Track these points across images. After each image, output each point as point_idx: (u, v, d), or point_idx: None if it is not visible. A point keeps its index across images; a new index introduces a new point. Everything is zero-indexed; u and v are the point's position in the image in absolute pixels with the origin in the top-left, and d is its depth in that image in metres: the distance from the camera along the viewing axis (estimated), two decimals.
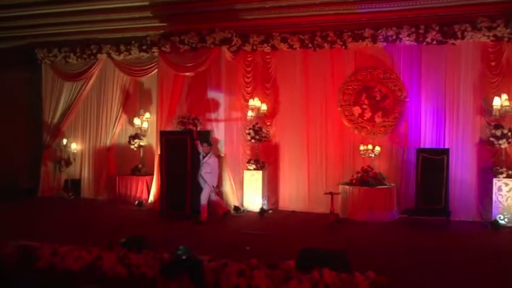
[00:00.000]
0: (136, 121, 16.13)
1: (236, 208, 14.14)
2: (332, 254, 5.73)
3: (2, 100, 18.17)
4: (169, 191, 13.43)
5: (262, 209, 13.89)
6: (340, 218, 12.60)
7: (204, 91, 14.81)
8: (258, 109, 14.64)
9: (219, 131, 14.56)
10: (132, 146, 16.09)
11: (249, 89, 15.03)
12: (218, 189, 13.68)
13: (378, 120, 13.72)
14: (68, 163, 17.09)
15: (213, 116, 14.66)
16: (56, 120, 17.39)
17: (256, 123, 14.58)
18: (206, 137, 13.55)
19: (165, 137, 13.73)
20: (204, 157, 12.92)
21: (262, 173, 14.41)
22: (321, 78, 14.35)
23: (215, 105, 14.62)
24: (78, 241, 7.33)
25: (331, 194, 12.57)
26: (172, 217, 12.98)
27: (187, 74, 14.95)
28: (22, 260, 6.90)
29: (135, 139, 16.03)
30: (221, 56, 14.52)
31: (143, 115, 16.17)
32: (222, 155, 14.44)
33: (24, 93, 18.16)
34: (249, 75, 15.03)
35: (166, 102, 15.11)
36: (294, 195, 14.61)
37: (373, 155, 13.46)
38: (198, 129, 14.33)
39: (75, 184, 17.15)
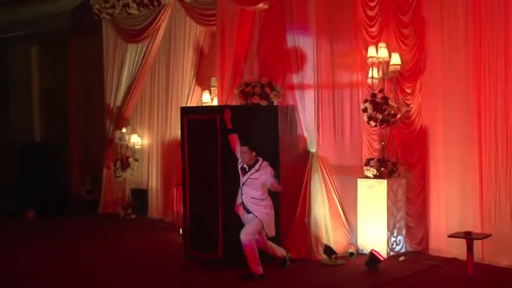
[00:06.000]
0: (205, 97, 11.52)
1: (328, 251, 8.58)
2: None
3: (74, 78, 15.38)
4: (193, 215, 8.65)
5: (372, 257, 8.16)
6: None
7: (282, 36, 9.56)
8: (387, 64, 9.05)
9: (305, 108, 9.20)
10: None
11: (372, 28, 9.42)
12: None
13: None
14: (125, 165, 12.88)
15: (295, 79, 9.34)
16: (119, 102, 13.68)
17: (381, 90, 8.96)
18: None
19: (187, 118, 8.86)
20: (245, 169, 7.83)
21: (388, 185, 8.78)
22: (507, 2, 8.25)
23: (301, 59, 9.28)
24: None
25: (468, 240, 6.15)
26: (197, 260, 8.63)
27: (258, 6, 9.70)
28: None
29: None
30: None
31: (215, 86, 11.55)
32: (313, 150, 9.10)
33: (93, 67, 14.94)
34: (372, 3, 9.42)
35: (229, 61, 10.19)
36: (456, 228, 8.56)
37: None
38: (275, 103, 9.31)
39: (141, 197, 13.14)
